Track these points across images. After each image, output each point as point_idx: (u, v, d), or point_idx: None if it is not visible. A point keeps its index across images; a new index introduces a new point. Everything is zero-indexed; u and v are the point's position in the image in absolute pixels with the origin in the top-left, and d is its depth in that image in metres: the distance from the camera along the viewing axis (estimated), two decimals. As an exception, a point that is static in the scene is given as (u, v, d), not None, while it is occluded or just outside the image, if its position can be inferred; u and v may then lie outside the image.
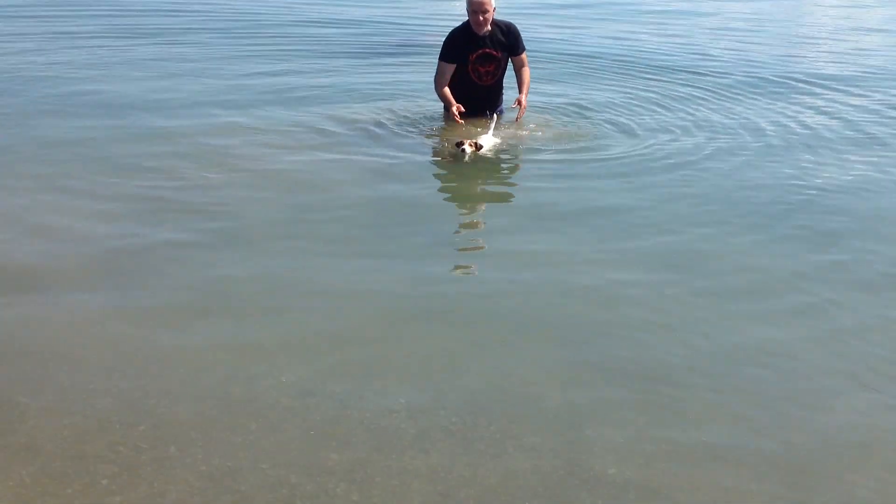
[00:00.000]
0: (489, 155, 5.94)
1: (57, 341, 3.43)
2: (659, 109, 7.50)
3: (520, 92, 6.62)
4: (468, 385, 3.23)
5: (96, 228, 4.52)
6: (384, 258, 4.30)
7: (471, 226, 5.11)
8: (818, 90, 8.44)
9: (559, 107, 7.51)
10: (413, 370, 3.33)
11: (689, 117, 7.24)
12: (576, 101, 7.72)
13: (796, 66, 9.89)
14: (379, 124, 6.67)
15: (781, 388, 3.30)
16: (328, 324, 3.67)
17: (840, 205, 5.28)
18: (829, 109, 7.72)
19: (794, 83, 8.74)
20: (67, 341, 3.43)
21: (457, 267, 4.35)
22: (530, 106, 6.91)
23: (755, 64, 9.76)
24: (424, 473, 2.74)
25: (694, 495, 2.71)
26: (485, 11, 6.32)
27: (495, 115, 6.43)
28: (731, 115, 7.36)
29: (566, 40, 10.89)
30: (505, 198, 5.59)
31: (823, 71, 9.51)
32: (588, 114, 7.29)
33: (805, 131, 6.94)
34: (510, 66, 6.70)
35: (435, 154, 6.09)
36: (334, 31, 11.58)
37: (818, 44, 12.10)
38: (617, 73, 9.09)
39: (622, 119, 7.10)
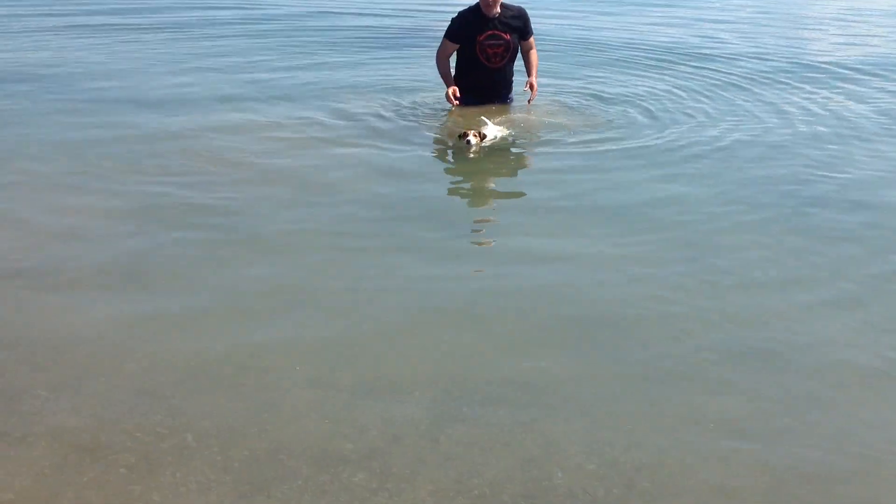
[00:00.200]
0: (495, 143, 5.91)
1: (73, 335, 3.44)
2: (678, 97, 7.50)
3: (529, 74, 6.65)
4: (481, 374, 3.25)
5: (108, 223, 4.53)
6: (396, 251, 4.30)
7: (482, 217, 5.09)
8: (842, 77, 8.37)
9: (572, 93, 7.51)
10: (426, 360, 3.35)
11: (708, 106, 7.20)
12: (589, 89, 7.72)
13: (819, 52, 9.86)
14: (385, 117, 6.68)
15: (803, 382, 3.28)
16: (341, 315, 3.68)
17: (867, 196, 5.21)
18: (856, 97, 7.65)
19: (817, 70, 8.71)
20: (84, 335, 3.45)
21: (469, 259, 4.34)
22: (543, 92, 6.90)
23: (771, 50, 9.73)
24: (438, 462, 2.77)
25: (706, 479, 2.73)
26: None
27: (484, 119, 6.32)
28: (755, 103, 7.32)
29: (575, 28, 10.84)
30: (517, 188, 5.54)
31: (846, 58, 9.43)
32: (602, 102, 7.30)
33: (833, 120, 6.89)
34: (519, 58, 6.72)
35: (442, 146, 6.07)
36: (339, 21, 11.58)
37: (839, 30, 12.03)
38: (629, 61, 9.07)
39: (638, 107, 7.09)
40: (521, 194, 5.32)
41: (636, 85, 7.87)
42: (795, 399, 3.15)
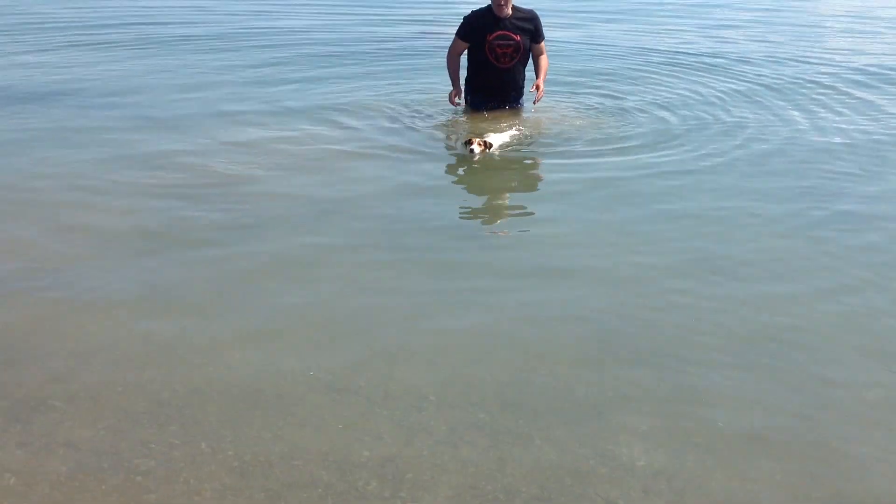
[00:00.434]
0: (505, 152, 5.87)
1: (91, 348, 3.46)
2: (692, 105, 7.45)
3: (537, 77, 6.66)
4: (495, 378, 3.25)
5: (123, 240, 4.53)
6: (410, 263, 4.29)
7: (494, 219, 5.09)
8: (862, 85, 8.23)
9: (585, 99, 7.51)
10: (440, 364, 3.35)
11: (725, 114, 7.12)
12: (603, 95, 7.72)
13: (831, 57, 9.77)
14: (394, 129, 6.68)
15: (819, 390, 3.25)
16: (355, 319, 3.69)
17: (886, 208, 5.12)
18: (877, 106, 7.53)
19: (836, 78, 8.59)
20: (101, 348, 3.47)
21: (481, 260, 4.33)
22: (556, 97, 6.90)
23: (788, 57, 9.58)
24: (454, 468, 2.76)
25: (723, 484, 2.71)
26: None
27: (513, 128, 6.32)
28: (772, 112, 7.21)
29: (589, 33, 10.81)
30: (529, 200, 5.45)
31: (866, 65, 9.31)
32: (615, 108, 7.27)
33: (850, 129, 6.79)
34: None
35: (451, 157, 6.03)
36: (345, 33, 11.63)
37: (856, 35, 11.94)
38: (643, 68, 9.03)
39: (650, 115, 7.04)
40: (532, 205, 5.22)
41: (650, 92, 7.79)
42: (811, 407, 3.12)
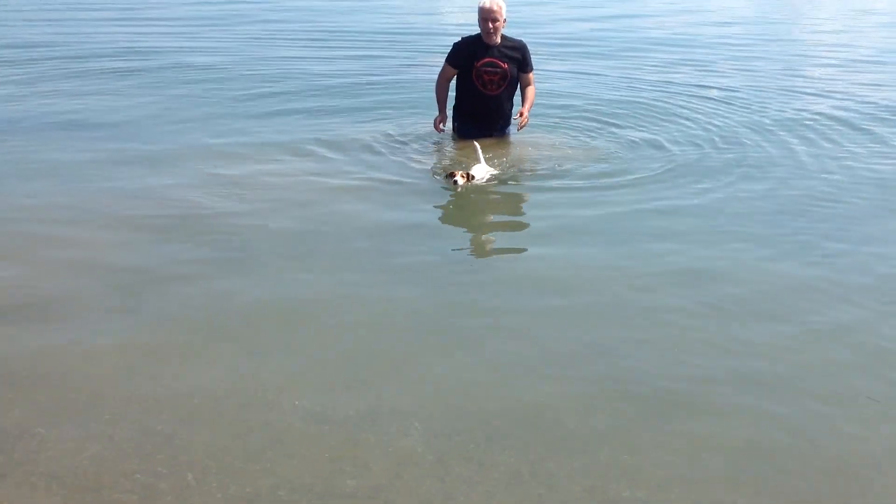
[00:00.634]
0: (482, 184, 5.83)
1: (74, 371, 3.44)
2: (683, 124, 7.55)
3: (522, 104, 6.72)
4: (484, 409, 3.24)
5: (109, 258, 4.54)
6: (397, 283, 4.30)
7: (482, 250, 5.07)
8: (857, 117, 8.18)
9: (575, 120, 7.58)
10: (429, 395, 3.34)
11: (715, 133, 7.20)
12: (594, 116, 7.84)
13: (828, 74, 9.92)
14: (381, 145, 6.74)
15: (810, 410, 3.28)
16: (342, 350, 3.68)
17: (872, 226, 5.18)
18: (874, 133, 7.57)
19: (828, 92, 8.75)
20: (84, 371, 3.44)
21: (470, 292, 4.31)
22: (546, 125, 6.99)
23: (776, 88, 9.60)
24: (441, 499, 2.75)
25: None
26: (494, 20, 6.45)
27: (477, 145, 6.25)
28: (759, 139, 7.21)
29: (578, 66, 10.89)
30: (517, 222, 5.49)
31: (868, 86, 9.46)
32: (607, 130, 7.35)
33: (835, 146, 6.89)
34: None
35: (436, 181, 6.02)
36: (336, 45, 11.70)
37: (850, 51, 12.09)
38: (634, 98, 9.10)
39: (643, 143, 7.04)
40: (522, 238, 5.19)
41: (643, 122, 7.77)
42: (802, 427, 3.14)
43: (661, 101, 8.56)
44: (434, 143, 6.91)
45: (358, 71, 9.98)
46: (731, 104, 8.50)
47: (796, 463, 2.98)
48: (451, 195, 5.68)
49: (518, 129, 6.76)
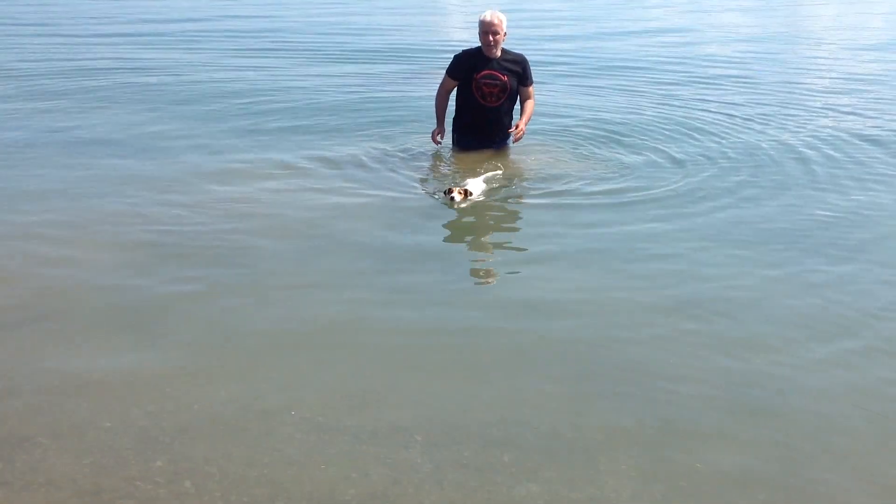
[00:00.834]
0: (480, 199, 5.82)
1: (76, 383, 3.45)
2: (690, 138, 7.55)
3: (520, 117, 6.76)
4: (482, 418, 3.25)
5: (109, 273, 4.55)
6: (396, 299, 4.31)
7: (480, 267, 5.05)
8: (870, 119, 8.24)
9: (577, 139, 7.58)
10: (427, 404, 3.35)
11: (716, 154, 7.13)
12: (595, 127, 7.89)
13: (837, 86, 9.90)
14: (380, 161, 6.73)
15: (807, 432, 3.26)
16: (342, 364, 3.68)
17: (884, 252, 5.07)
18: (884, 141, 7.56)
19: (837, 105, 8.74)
20: (86, 382, 3.46)
21: (468, 303, 4.33)
22: (543, 135, 7.02)
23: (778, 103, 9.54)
24: (440, 508, 2.76)
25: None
26: (495, 33, 6.52)
27: (497, 169, 6.25)
28: (761, 153, 7.18)
29: (580, 79, 10.94)
30: (513, 237, 5.48)
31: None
32: (608, 142, 7.37)
33: (851, 161, 6.83)
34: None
35: (434, 194, 6.01)
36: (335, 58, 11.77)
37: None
38: (638, 93, 9.17)
39: (644, 155, 7.05)
40: (520, 247, 5.21)
41: (645, 135, 7.79)
42: (796, 448, 3.14)
43: (665, 116, 8.58)
44: (433, 157, 6.95)
45: (357, 87, 10.00)
46: (733, 117, 8.53)
47: (796, 472, 2.99)
48: (449, 212, 5.67)
49: (513, 142, 6.82)
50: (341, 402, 3.35)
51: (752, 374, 3.63)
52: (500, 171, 6.42)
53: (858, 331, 4.02)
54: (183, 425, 3.16)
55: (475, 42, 6.76)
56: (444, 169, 6.69)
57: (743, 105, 9.12)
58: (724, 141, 7.53)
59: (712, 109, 8.87)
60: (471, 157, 6.78)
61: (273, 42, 13.62)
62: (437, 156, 6.94)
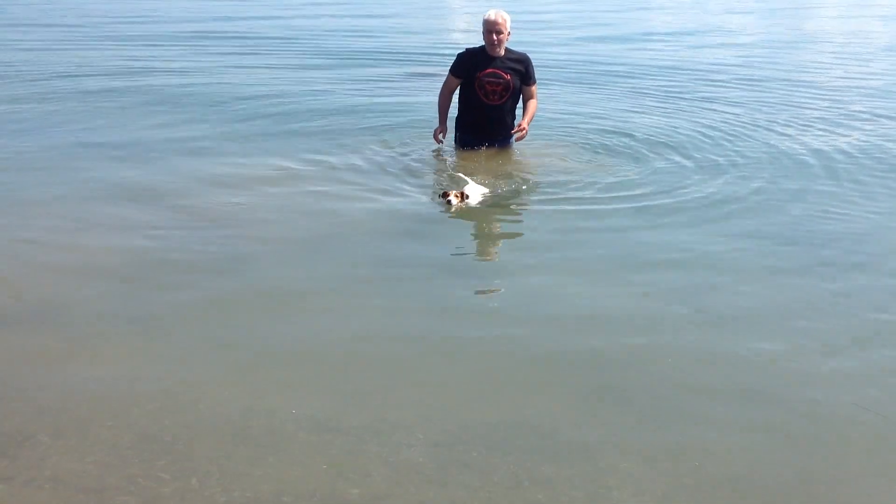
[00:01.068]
0: (477, 204, 5.77)
1: (79, 381, 3.46)
2: (696, 140, 7.55)
3: (523, 118, 6.78)
4: (485, 418, 3.25)
5: (111, 267, 4.58)
6: (399, 298, 4.32)
7: (484, 263, 5.09)
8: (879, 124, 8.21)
9: (584, 139, 7.59)
10: (430, 404, 3.36)
11: (727, 155, 7.12)
12: (599, 128, 7.87)
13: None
14: (383, 160, 6.77)
15: (805, 426, 3.28)
16: (345, 361, 3.69)
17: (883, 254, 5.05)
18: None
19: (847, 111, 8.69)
20: (89, 380, 3.46)
21: (471, 304, 4.34)
22: (556, 136, 7.06)
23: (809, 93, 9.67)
24: (443, 507, 2.76)
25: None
26: (499, 32, 6.54)
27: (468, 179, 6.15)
28: (772, 154, 7.17)
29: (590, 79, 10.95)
30: (516, 236, 5.52)
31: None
32: (613, 149, 7.33)
33: (863, 168, 6.76)
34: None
35: (434, 195, 6.00)
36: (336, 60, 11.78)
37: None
38: (645, 95, 9.17)
39: (651, 156, 7.06)
40: (524, 249, 5.19)
41: (653, 134, 7.79)
42: (801, 453, 3.12)
43: (672, 118, 8.58)
44: (435, 156, 6.95)
45: (359, 89, 10.01)
46: (741, 119, 8.55)
47: (797, 474, 2.99)
48: (452, 215, 5.64)
49: (515, 141, 6.83)
50: (344, 401, 3.35)
51: (756, 377, 3.63)
52: (505, 170, 6.41)
53: (870, 342, 3.97)
54: (185, 424, 3.16)
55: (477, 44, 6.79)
56: (446, 169, 6.69)
57: (751, 108, 9.14)
58: (734, 144, 7.49)
59: (721, 110, 8.90)
60: (473, 156, 6.80)
61: (275, 45, 13.62)
62: (439, 155, 6.95)
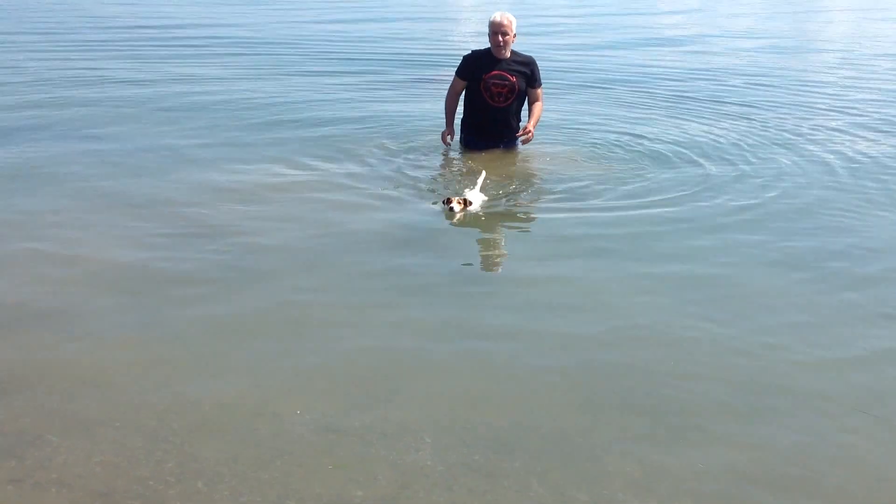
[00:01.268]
0: (480, 211, 5.72)
1: (87, 381, 3.47)
2: (703, 145, 7.53)
3: (528, 120, 6.78)
4: (492, 421, 3.25)
5: (117, 271, 4.58)
6: (405, 300, 4.32)
7: (490, 265, 5.10)
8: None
9: (597, 140, 7.59)
10: (437, 409, 3.35)
11: (739, 159, 7.10)
12: (607, 133, 7.84)
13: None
14: (390, 162, 6.77)
15: (804, 422, 3.30)
16: (351, 364, 3.69)
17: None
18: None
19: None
20: (95, 380, 3.48)
21: (477, 306, 4.33)
22: (564, 137, 7.09)
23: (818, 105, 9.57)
24: (450, 510, 2.76)
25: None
26: (504, 33, 6.55)
27: (483, 172, 6.15)
28: (782, 156, 7.18)
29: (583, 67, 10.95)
30: (522, 238, 5.50)
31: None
32: (626, 151, 7.32)
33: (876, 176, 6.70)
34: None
35: (433, 202, 5.96)
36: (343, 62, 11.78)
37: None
38: (636, 101, 9.15)
39: (661, 159, 7.05)
40: (528, 246, 5.24)
41: (665, 136, 7.80)
42: (805, 453, 3.13)
43: (680, 123, 8.57)
44: (441, 158, 6.95)
45: (363, 92, 10.02)
46: (751, 120, 8.54)
47: (803, 481, 2.99)
48: (454, 217, 5.60)
49: (522, 143, 6.83)
50: (350, 403, 3.36)
51: (761, 378, 3.62)
52: (511, 171, 6.39)
53: (873, 339, 3.99)
54: (193, 426, 3.17)
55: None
56: (451, 174, 6.68)
57: (762, 110, 9.15)
58: (746, 149, 7.45)
59: (730, 112, 8.91)
60: (479, 158, 6.80)
61: (276, 51, 13.60)
62: (445, 158, 6.95)
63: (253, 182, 6.27)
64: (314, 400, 3.37)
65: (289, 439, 3.11)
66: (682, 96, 9.91)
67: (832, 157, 7.12)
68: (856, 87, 10.96)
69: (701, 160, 7.02)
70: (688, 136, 7.89)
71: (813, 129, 8.19)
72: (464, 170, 6.63)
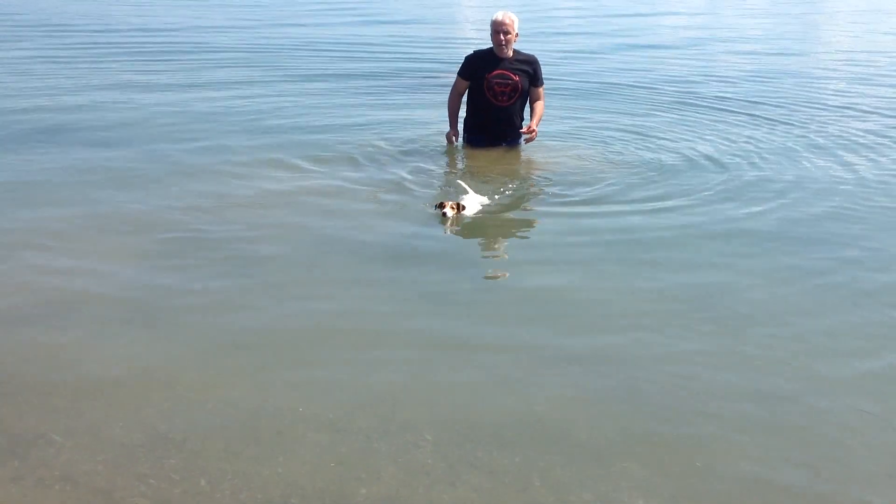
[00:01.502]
0: (472, 216, 5.61)
1: (90, 380, 3.48)
2: (701, 139, 7.56)
3: (531, 119, 6.78)
4: (494, 419, 3.25)
5: (120, 273, 4.58)
6: (406, 297, 4.33)
7: (490, 262, 5.11)
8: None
9: (606, 139, 7.59)
10: (439, 404, 3.36)
11: (747, 161, 7.06)
12: (610, 134, 7.83)
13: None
14: (394, 163, 6.75)
15: (816, 432, 3.26)
16: (354, 359, 3.70)
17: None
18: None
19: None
20: (100, 379, 3.48)
21: (480, 305, 4.33)
22: (573, 134, 7.11)
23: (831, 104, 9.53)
24: (453, 507, 2.76)
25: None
26: (506, 32, 6.56)
27: (464, 184, 6.02)
28: (787, 158, 7.14)
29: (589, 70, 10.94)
30: (524, 238, 5.50)
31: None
32: (634, 150, 7.31)
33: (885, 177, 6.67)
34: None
35: (426, 206, 5.89)
36: (347, 63, 11.79)
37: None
38: (642, 102, 9.14)
39: (670, 160, 7.03)
40: (530, 246, 5.25)
41: (675, 137, 7.78)
42: (811, 457, 3.11)
43: (686, 119, 8.57)
44: (443, 158, 6.94)
45: (366, 94, 10.00)
46: (756, 117, 8.54)
47: (807, 476, 2.98)
48: (446, 223, 5.52)
49: (525, 143, 6.84)
50: (352, 401, 3.36)
51: (768, 378, 3.61)
52: (513, 169, 6.39)
53: (882, 348, 3.94)
54: (195, 424, 3.17)
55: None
56: (453, 174, 6.64)
57: (768, 109, 9.15)
58: (752, 151, 7.41)
59: (735, 110, 8.89)
60: (482, 156, 6.79)
61: (277, 56, 13.59)
62: (448, 158, 6.95)
63: (253, 189, 6.23)
64: (316, 399, 3.36)
65: (291, 437, 3.11)
66: (688, 98, 9.87)
67: (843, 162, 7.04)
68: (865, 91, 10.90)
69: (707, 164, 6.96)
70: (693, 138, 7.85)
71: (822, 134, 8.12)
72: (465, 172, 6.63)
